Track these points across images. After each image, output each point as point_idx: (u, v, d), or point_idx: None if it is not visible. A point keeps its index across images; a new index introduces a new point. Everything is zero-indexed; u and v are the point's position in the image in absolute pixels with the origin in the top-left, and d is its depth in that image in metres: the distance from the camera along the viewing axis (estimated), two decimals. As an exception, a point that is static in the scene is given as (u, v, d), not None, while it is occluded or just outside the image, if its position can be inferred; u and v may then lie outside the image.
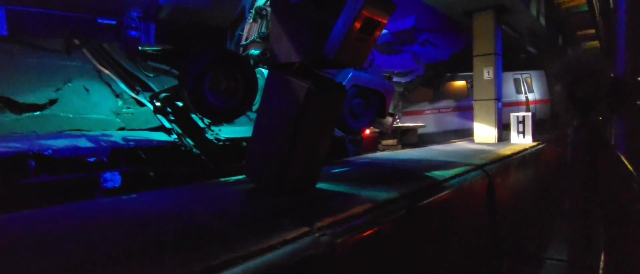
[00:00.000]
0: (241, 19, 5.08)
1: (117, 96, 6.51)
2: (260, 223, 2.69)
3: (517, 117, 9.48)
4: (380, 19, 3.16)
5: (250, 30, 5.86)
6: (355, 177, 4.66)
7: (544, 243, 5.41)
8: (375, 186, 3.87)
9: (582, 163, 2.65)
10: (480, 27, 9.94)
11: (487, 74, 9.91)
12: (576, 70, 2.62)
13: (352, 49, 3.19)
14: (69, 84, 6.03)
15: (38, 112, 5.61)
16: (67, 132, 5.66)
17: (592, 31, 16.88)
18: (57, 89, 5.91)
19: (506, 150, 7.37)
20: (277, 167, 3.45)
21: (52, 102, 5.84)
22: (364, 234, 2.72)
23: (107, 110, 6.32)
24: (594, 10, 12.05)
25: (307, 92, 3.22)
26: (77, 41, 5.36)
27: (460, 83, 13.89)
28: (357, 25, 3.02)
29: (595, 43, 18.61)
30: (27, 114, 5.53)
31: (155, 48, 4.58)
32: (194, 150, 5.52)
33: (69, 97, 5.96)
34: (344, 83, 5.25)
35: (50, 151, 4.36)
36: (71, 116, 5.86)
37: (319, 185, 3.87)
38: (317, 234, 2.50)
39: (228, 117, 4.79)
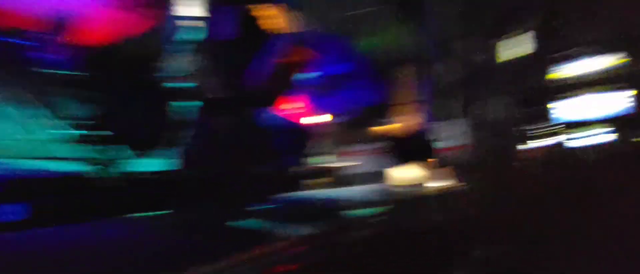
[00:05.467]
0: (171, 53, 5.13)
1: (27, 121, 6.01)
2: (168, 262, 2.68)
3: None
4: (295, 64, 3.52)
5: (183, 63, 5.89)
6: (277, 214, 4.75)
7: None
8: (291, 223, 4.00)
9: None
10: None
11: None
12: None
13: (269, 88, 3.48)
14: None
15: None
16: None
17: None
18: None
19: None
20: (198, 195, 3.58)
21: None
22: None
23: (10, 135, 5.79)
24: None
25: (227, 126, 3.44)
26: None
27: (392, 125, 14.73)
28: (274, 68, 3.32)
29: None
30: None
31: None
32: (107, 182, 5.23)
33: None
34: (268, 123, 5.46)
35: None
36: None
37: (238, 223, 3.93)
38: (223, 274, 2.55)
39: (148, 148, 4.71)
